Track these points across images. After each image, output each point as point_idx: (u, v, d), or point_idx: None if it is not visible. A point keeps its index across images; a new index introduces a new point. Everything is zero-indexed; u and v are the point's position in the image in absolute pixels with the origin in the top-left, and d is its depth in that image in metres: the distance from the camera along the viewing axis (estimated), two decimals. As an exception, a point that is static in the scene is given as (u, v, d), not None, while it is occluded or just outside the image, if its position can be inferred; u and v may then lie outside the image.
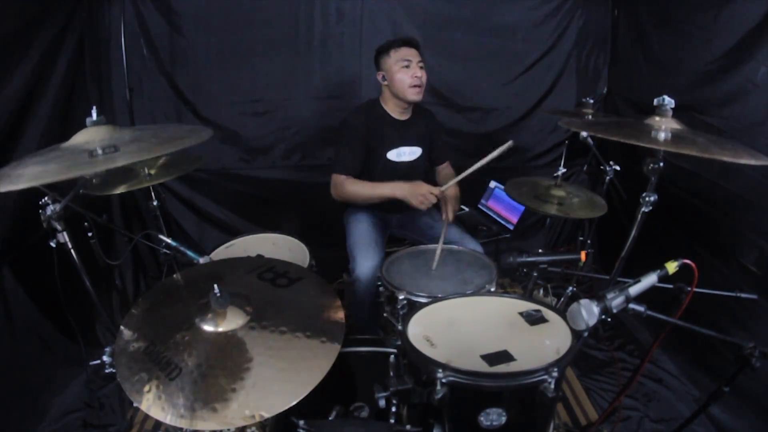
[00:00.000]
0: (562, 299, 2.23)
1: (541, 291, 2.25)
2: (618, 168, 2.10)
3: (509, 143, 1.59)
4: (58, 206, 1.20)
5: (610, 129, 1.41)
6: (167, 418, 0.91)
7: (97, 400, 1.96)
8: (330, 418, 1.22)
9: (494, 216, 2.74)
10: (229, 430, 1.05)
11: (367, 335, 1.60)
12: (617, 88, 2.88)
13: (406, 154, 2.08)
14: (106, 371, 1.31)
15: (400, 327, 1.37)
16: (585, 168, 2.83)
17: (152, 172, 1.80)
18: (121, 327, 1.11)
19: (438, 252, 1.75)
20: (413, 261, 1.77)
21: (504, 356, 1.15)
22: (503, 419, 1.09)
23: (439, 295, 1.45)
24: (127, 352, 1.05)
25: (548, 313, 1.31)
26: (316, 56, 2.71)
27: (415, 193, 1.79)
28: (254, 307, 1.12)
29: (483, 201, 2.86)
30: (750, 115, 1.83)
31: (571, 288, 2.23)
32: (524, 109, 2.96)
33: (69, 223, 1.25)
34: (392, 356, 1.37)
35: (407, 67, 1.93)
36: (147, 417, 1.92)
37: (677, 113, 1.40)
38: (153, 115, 2.66)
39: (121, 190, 1.72)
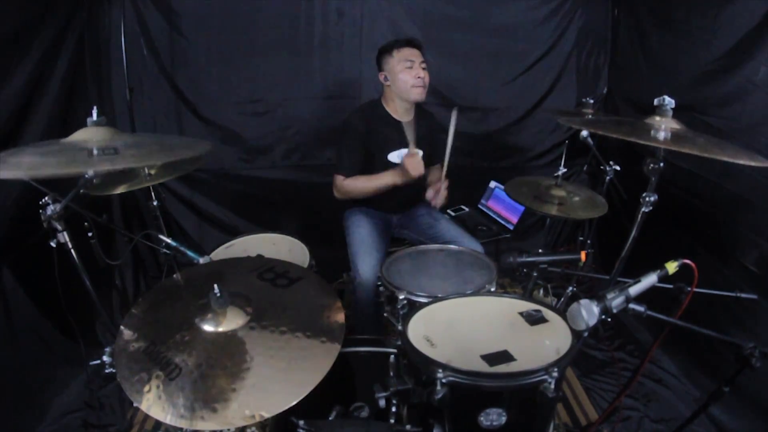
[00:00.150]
0: (562, 299, 2.22)
1: (541, 291, 2.26)
2: (618, 168, 2.10)
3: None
4: (58, 206, 1.21)
5: (609, 127, 1.41)
6: (167, 418, 0.91)
7: (97, 400, 1.96)
8: (330, 418, 1.22)
9: (494, 216, 2.74)
10: (229, 430, 1.05)
11: (368, 335, 1.60)
12: (617, 88, 2.88)
13: None
14: (106, 371, 1.31)
15: (400, 327, 1.37)
16: (585, 168, 2.84)
17: (152, 172, 1.80)
18: (121, 327, 1.11)
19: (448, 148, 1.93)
20: (413, 261, 1.77)
21: (504, 356, 1.15)
22: (503, 419, 1.09)
23: (439, 295, 1.45)
24: (127, 352, 1.05)
25: (548, 313, 1.31)
26: (316, 56, 2.71)
27: (407, 168, 1.86)
28: (254, 307, 1.11)
29: (483, 201, 2.86)
30: (750, 115, 1.83)
31: (571, 288, 2.23)
32: (524, 109, 2.95)
33: (69, 223, 1.26)
34: (392, 356, 1.37)
35: (410, 67, 1.93)
36: (147, 417, 1.91)
37: (677, 113, 1.40)
38: (153, 115, 2.66)
39: (121, 189, 1.73)
